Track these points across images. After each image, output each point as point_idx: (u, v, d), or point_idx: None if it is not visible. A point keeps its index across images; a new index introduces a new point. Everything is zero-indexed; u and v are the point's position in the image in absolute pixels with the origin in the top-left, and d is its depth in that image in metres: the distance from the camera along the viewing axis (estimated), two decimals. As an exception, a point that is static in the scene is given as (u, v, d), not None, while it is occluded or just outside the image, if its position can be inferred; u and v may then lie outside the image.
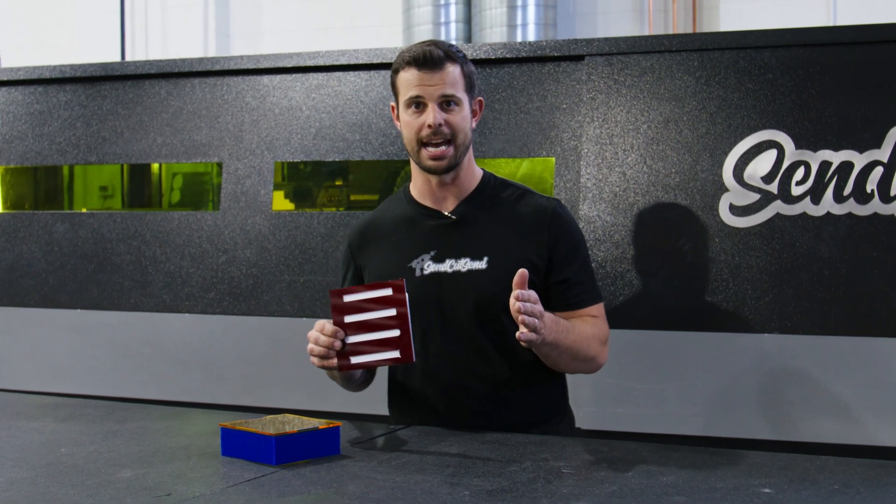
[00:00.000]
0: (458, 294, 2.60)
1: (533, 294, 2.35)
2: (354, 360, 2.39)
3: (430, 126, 2.58)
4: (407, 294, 2.37)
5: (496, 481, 2.00)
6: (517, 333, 2.32)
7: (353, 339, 2.39)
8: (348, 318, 2.40)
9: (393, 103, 2.72)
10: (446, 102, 2.60)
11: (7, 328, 4.12)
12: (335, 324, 2.39)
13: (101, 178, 4.19)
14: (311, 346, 2.42)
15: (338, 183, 3.87)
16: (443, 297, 2.63)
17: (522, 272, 2.35)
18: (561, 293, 2.66)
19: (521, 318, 2.31)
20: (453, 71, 2.60)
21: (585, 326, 2.62)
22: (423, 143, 2.61)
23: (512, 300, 2.32)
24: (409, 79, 2.60)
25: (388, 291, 2.38)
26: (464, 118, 2.63)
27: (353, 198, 3.83)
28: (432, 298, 2.63)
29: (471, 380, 2.64)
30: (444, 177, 2.67)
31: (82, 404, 2.96)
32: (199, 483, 2.02)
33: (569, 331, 2.53)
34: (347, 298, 2.41)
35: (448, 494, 1.90)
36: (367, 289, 2.42)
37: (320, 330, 2.40)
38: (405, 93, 2.62)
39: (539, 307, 2.36)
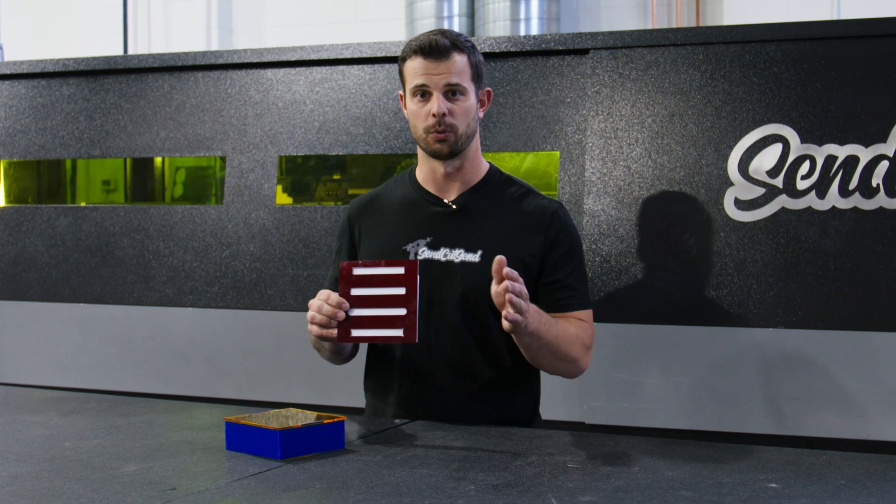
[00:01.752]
0: (448, 284, 2.59)
1: (519, 277, 2.34)
2: (356, 332, 2.37)
3: (434, 115, 2.58)
4: (419, 277, 2.36)
5: (501, 476, 2.00)
6: (503, 313, 2.31)
7: (356, 312, 2.37)
8: (355, 291, 2.38)
9: (401, 92, 2.71)
10: (451, 92, 2.60)
11: (10, 322, 4.12)
12: (341, 295, 2.38)
13: (104, 172, 4.18)
14: (312, 313, 2.40)
15: (339, 177, 3.86)
16: (432, 284, 2.61)
17: (500, 258, 2.33)
18: (549, 294, 2.64)
19: (508, 296, 2.30)
20: (459, 60, 2.60)
21: (570, 326, 2.60)
22: (427, 131, 2.62)
23: (495, 286, 2.32)
24: (415, 67, 2.61)
25: (399, 270, 2.36)
26: (468, 108, 2.62)
27: (357, 192, 3.82)
28: (422, 285, 2.61)
29: (448, 373, 2.64)
30: (448, 166, 2.67)
31: (86, 398, 2.95)
32: (204, 477, 2.01)
33: (552, 325, 2.52)
34: (357, 272, 2.39)
35: (454, 489, 1.89)
36: (379, 265, 2.41)
37: (325, 299, 2.38)
38: (411, 81, 2.63)
39: (525, 291, 2.35)
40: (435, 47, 2.58)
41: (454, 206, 2.69)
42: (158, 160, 4.09)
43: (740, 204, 3.22)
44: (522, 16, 8.77)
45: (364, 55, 3.75)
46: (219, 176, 3.94)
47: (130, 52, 10.38)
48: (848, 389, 3.10)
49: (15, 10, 10.87)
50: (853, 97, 3.16)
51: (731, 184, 3.24)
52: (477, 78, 2.65)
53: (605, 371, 3.27)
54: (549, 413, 2.91)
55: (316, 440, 2.18)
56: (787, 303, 3.16)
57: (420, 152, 2.73)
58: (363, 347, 2.83)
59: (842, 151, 3.14)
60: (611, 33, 3.46)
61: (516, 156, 3.53)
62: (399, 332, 2.34)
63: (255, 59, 3.90)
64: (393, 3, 9.77)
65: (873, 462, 2.14)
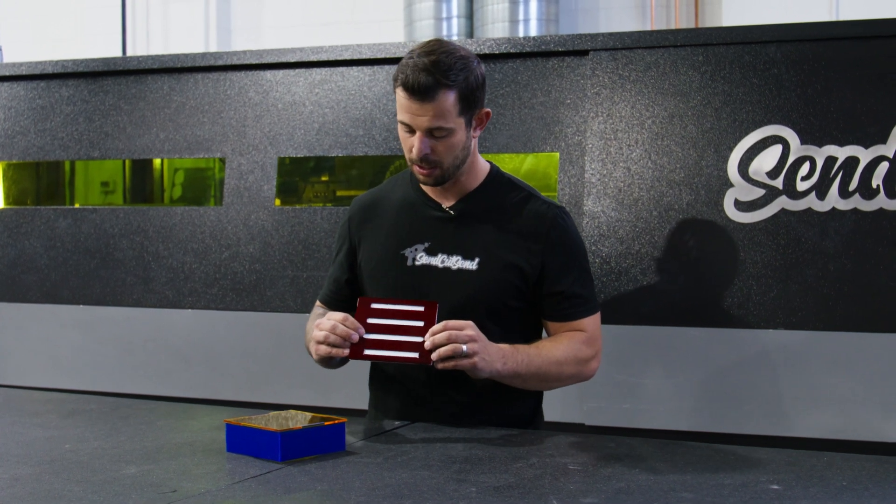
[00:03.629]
0: (445, 292, 2.55)
1: (453, 323, 2.37)
2: (368, 352, 2.39)
3: (416, 154, 2.53)
4: (437, 313, 2.39)
5: (503, 477, 1.99)
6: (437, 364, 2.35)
7: (371, 336, 2.39)
8: (371, 320, 2.40)
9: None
10: (436, 134, 2.52)
11: (10, 324, 4.12)
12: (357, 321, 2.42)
13: (102, 173, 4.18)
14: (325, 333, 2.41)
15: (341, 178, 3.86)
16: (430, 292, 2.58)
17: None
18: (553, 305, 2.62)
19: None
20: (445, 100, 2.47)
21: (557, 350, 2.57)
22: (412, 162, 2.58)
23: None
24: (401, 101, 2.51)
25: (419, 308, 2.40)
26: (453, 144, 2.54)
27: (356, 193, 3.81)
28: (419, 291, 2.59)
29: (447, 382, 2.61)
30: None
31: (86, 400, 2.94)
32: (205, 479, 2.01)
33: (532, 359, 2.51)
34: (375, 306, 2.42)
35: (455, 491, 1.89)
36: (398, 302, 2.42)
37: (341, 320, 2.40)
38: (398, 112, 2.54)
39: (466, 333, 2.36)
40: (418, 89, 2.45)
41: (452, 213, 2.67)
42: (157, 162, 4.09)
43: (740, 205, 3.22)
44: (521, 17, 8.76)
45: (364, 56, 3.75)
46: (217, 177, 3.94)
47: (129, 53, 10.38)
48: (848, 390, 3.10)
49: (14, 11, 10.87)
50: (853, 98, 3.17)
51: (731, 185, 3.24)
52: (467, 108, 2.53)
53: (606, 372, 3.26)
54: (549, 414, 2.91)
55: (317, 442, 2.18)
56: (787, 304, 3.16)
57: None
58: None
59: (842, 152, 3.14)
60: (610, 34, 3.46)
61: (516, 157, 3.53)
62: (414, 355, 2.36)
63: (254, 61, 3.90)
64: (391, 4, 9.77)
65: (875, 463, 2.13)
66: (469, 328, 2.37)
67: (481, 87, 2.56)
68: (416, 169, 2.58)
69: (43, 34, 10.72)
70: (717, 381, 3.22)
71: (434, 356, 2.33)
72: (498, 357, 2.43)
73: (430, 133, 2.50)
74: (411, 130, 2.53)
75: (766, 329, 3.17)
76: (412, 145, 2.53)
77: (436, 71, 2.45)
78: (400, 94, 2.51)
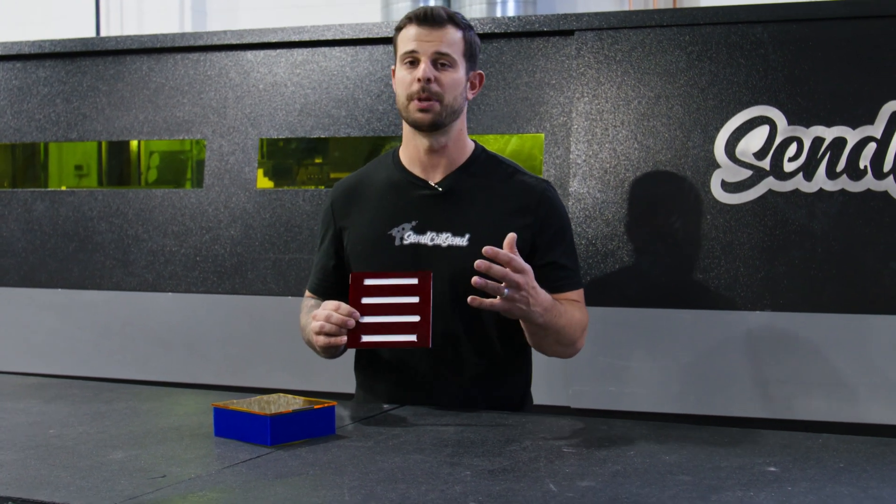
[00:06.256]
0: (435, 269, 2.52)
1: (519, 263, 2.33)
2: (366, 338, 2.37)
3: (419, 80, 2.55)
4: (432, 284, 2.37)
5: (497, 461, 1.97)
6: (468, 299, 2.32)
7: (367, 319, 2.36)
8: (366, 300, 2.38)
9: (393, 66, 2.67)
10: (441, 62, 2.57)
11: (-14, 308, 4.06)
12: (351, 303, 2.38)
13: (76, 156, 4.12)
14: (320, 323, 2.39)
15: (318, 161, 3.82)
16: (419, 269, 2.57)
17: (512, 236, 2.34)
18: (544, 276, 2.60)
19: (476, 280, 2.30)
20: (453, 33, 2.59)
21: (575, 311, 2.59)
22: (411, 99, 2.58)
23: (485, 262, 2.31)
24: (408, 35, 2.60)
25: (413, 281, 2.38)
26: (456, 80, 2.59)
27: (339, 175, 3.78)
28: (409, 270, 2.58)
29: (436, 362, 2.60)
30: (433, 143, 2.63)
31: (68, 385, 2.91)
32: (194, 464, 1.97)
33: (561, 315, 2.51)
34: (368, 282, 2.39)
35: (449, 474, 1.87)
36: (391, 276, 2.41)
37: (335, 309, 2.38)
38: (402, 48, 2.61)
39: (517, 278, 2.32)
40: (430, 16, 2.57)
41: (440, 189, 2.65)
42: (133, 144, 4.04)
43: (727, 186, 3.20)
44: (499, -2, 8.72)
45: (346, 36, 3.70)
46: (195, 159, 3.89)
47: (103, 33, 10.26)
48: (836, 372, 3.09)
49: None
50: (840, 79, 3.15)
51: (718, 166, 3.22)
52: (469, 56, 2.63)
53: (591, 355, 3.24)
54: (535, 397, 2.89)
55: (306, 426, 2.15)
56: (774, 286, 3.14)
57: (405, 131, 2.69)
58: None
59: (829, 133, 3.13)
60: (596, 14, 3.43)
61: (501, 138, 3.50)
62: (412, 338, 2.34)
63: (234, 41, 3.85)
64: (369, -16, 9.69)
65: (870, 445, 2.13)
66: (527, 276, 2.34)
67: (478, 48, 2.70)
68: (413, 105, 2.59)
69: (12, 14, 10.57)
70: (703, 363, 3.20)
71: (479, 282, 2.29)
72: (539, 311, 2.41)
73: (436, 62, 2.57)
74: (414, 63, 2.58)
75: (752, 311, 3.15)
76: (414, 77, 2.57)
77: (446, 11, 2.61)
78: (407, 31, 2.61)
